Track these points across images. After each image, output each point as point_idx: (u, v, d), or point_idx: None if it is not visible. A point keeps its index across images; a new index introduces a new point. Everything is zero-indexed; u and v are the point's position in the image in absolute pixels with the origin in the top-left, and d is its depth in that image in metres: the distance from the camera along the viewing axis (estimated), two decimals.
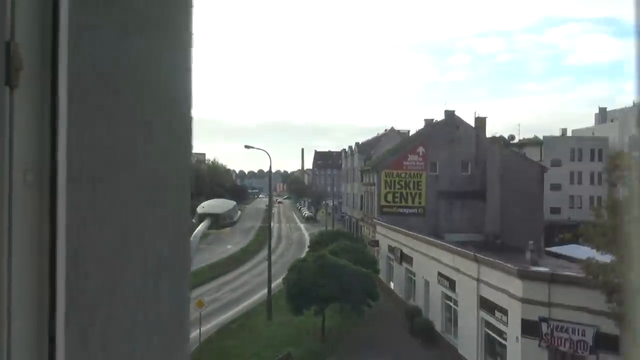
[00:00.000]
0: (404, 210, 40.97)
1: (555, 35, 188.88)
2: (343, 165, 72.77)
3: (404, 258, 31.84)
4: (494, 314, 20.00)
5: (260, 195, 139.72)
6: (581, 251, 19.91)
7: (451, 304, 24.50)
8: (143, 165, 0.95)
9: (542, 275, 17.72)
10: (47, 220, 0.77)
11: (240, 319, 28.12)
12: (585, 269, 15.49)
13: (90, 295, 0.87)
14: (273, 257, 34.06)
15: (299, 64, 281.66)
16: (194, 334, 21.27)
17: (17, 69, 0.73)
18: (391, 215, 39.63)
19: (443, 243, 26.51)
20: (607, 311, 14.93)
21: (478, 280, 21.15)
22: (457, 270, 23.12)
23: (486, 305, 20.58)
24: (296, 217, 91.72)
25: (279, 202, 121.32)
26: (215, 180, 75.40)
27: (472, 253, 21.94)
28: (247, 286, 36.12)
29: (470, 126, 41.96)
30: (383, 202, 41.69)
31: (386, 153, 47.55)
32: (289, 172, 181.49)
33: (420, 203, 41.33)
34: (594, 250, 15.88)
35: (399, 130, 59.00)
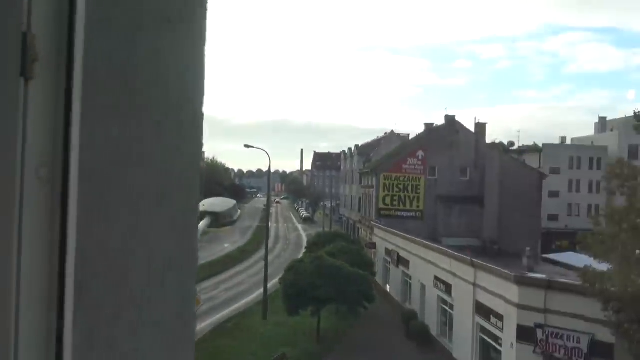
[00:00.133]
0: (402, 213, 41.00)
1: (556, 43, 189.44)
2: (342, 167, 72.87)
3: (400, 261, 31.86)
4: (489, 319, 20.01)
5: (258, 195, 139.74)
6: (578, 259, 19.95)
7: (447, 308, 24.51)
8: (153, 162, 0.94)
9: (538, 282, 17.74)
10: (59, 218, 0.76)
11: (236, 318, 28.10)
12: (582, 276, 15.50)
13: (97, 294, 0.86)
14: (270, 258, 34.05)
15: (301, 65, 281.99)
16: None
17: (33, 61, 0.71)
18: (389, 218, 39.66)
19: (440, 247, 26.54)
20: (602, 319, 14.96)
21: (474, 285, 21.16)
22: (454, 274, 23.14)
23: (482, 310, 20.59)
24: (294, 218, 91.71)
25: (277, 202, 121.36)
26: (214, 178, 75.33)
27: (469, 258, 21.96)
28: (243, 285, 36.11)
29: (470, 131, 42.02)
30: (381, 205, 41.72)
31: (386, 156, 47.60)
32: (288, 172, 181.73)
33: (418, 207, 41.37)
34: (592, 259, 15.91)
35: (399, 134, 59.10)
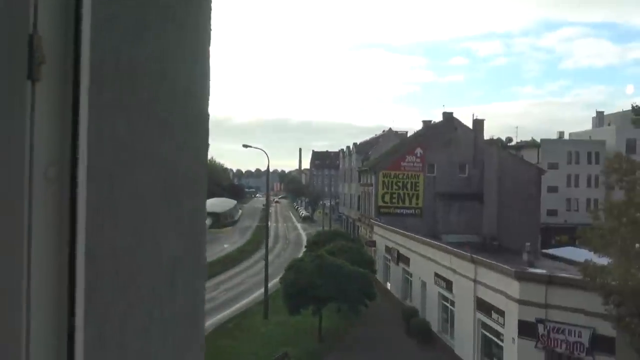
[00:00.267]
0: (401, 211, 41.02)
1: (552, 39, 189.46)
2: (341, 166, 72.84)
3: (401, 258, 31.87)
4: (490, 315, 20.03)
5: (257, 195, 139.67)
6: (578, 253, 20.00)
7: (448, 304, 24.53)
8: (160, 161, 0.94)
9: (539, 277, 17.76)
10: (67, 217, 0.76)
11: (237, 319, 28.10)
12: (582, 271, 15.52)
13: (107, 294, 0.87)
14: (270, 257, 34.05)
15: (297, 64, 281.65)
16: None
17: (40, 63, 0.72)
18: (388, 216, 39.68)
19: (440, 244, 26.55)
20: (603, 313, 14.98)
21: (475, 281, 21.18)
22: (454, 271, 23.15)
23: (483, 306, 20.61)
24: (293, 217, 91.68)
25: (276, 202, 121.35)
26: (213, 179, 75.25)
27: (469, 254, 21.97)
28: (243, 285, 36.11)
29: (468, 128, 42.02)
30: (380, 203, 41.73)
31: (384, 154, 47.60)
32: (287, 171, 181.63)
33: (417, 204, 41.39)
34: (591, 253, 15.93)
35: (397, 132, 59.08)
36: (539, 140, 59.78)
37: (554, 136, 64.12)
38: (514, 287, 18.12)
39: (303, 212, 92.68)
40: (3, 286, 0.71)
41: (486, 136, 44.34)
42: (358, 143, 64.05)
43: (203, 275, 1.02)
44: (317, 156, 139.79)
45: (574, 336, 16.70)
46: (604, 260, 15.28)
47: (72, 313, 0.77)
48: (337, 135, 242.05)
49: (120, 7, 0.82)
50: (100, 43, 0.79)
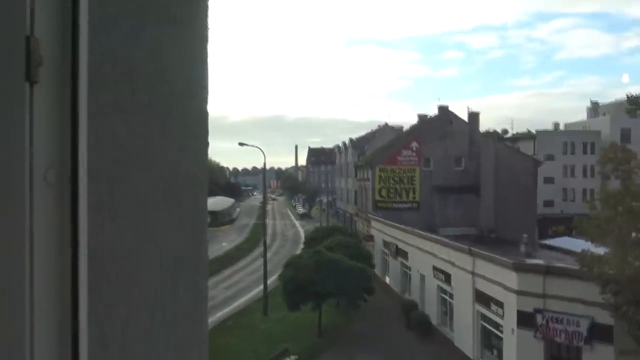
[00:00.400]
0: (398, 205, 41.08)
1: (546, 30, 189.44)
2: (337, 161, 72.82)
3: (399, 252, 31.95)
4: (489, 307, 20.13)
5: (254, 193, 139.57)
6: (575, 243, 20.09)
7: (447, 297, 24.63)
8: (159, 162, 0.94)
9: (537, 268, 17.85)
10: (69, 220, 0.76)
11: (236, 316, 28.12)
12: (580, 261, 15.62)
13: (110, 295, 0.87)
14: (268, 254, 34.06)
15: (290, 60, 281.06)
16: None
17: (37, 65, 0.71)
18: (385, 210, 39.75)
19: (438, 237, 26.63)
20: (601, 302, 15.08)
21: (473, 273, 21.27)
22: (453, 264, 23.24)
23: (482, 298, 20.71)
24: (291, 214, 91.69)
25: (273, 199, 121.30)
26: (210, 178, 74.75)
27: (467, 247, 22.06)
28: (242, 283, 36.13)
29: (463, 121, 42.07)
30: (377, 197, 41.79)
31: (380, 148, 47.62)
32: (283, 169, 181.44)
33: (414, 198, 41.46)
34: (588, 243, 16.02)
35: (392, 126, 59.05)
36: (534, 132, 59.91)
37: (550, 127, 64.27)
38: (512, 279, 18.21)
39: (300, 209, 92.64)
40: (6, 288, 0.72)
41: (482, 129, 44.44)
42: (354, 138, 64.02)
43: (205, 275, 1.02)
44: (313, 153, 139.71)
45: (573, 325, 16.82)
46: (600, 250, 15.38)
47: (75, 315, 0.77)
48: (332, 131, 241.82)
49: (117, 9, 0.82)
50: (98, 45, 0.79)
